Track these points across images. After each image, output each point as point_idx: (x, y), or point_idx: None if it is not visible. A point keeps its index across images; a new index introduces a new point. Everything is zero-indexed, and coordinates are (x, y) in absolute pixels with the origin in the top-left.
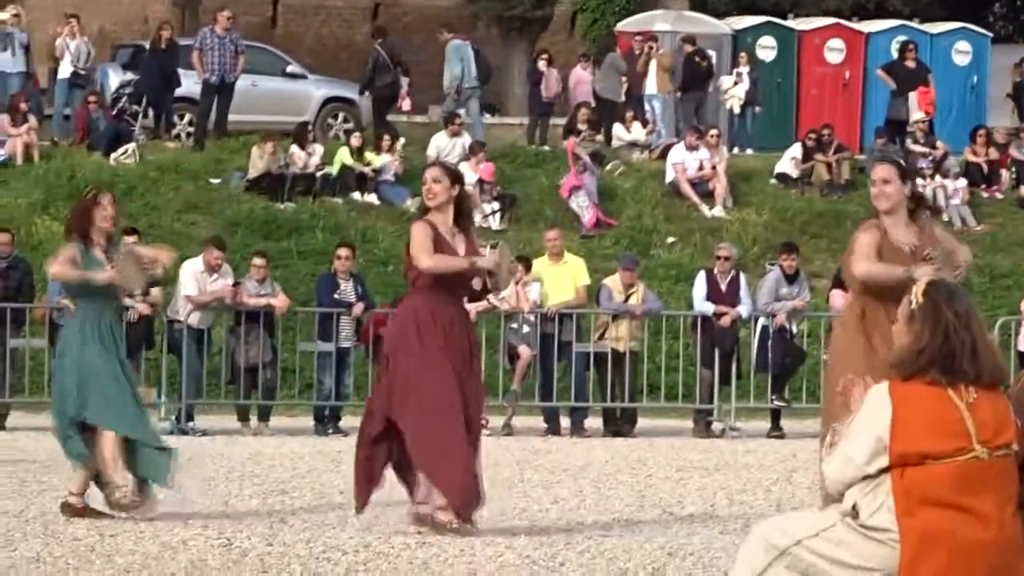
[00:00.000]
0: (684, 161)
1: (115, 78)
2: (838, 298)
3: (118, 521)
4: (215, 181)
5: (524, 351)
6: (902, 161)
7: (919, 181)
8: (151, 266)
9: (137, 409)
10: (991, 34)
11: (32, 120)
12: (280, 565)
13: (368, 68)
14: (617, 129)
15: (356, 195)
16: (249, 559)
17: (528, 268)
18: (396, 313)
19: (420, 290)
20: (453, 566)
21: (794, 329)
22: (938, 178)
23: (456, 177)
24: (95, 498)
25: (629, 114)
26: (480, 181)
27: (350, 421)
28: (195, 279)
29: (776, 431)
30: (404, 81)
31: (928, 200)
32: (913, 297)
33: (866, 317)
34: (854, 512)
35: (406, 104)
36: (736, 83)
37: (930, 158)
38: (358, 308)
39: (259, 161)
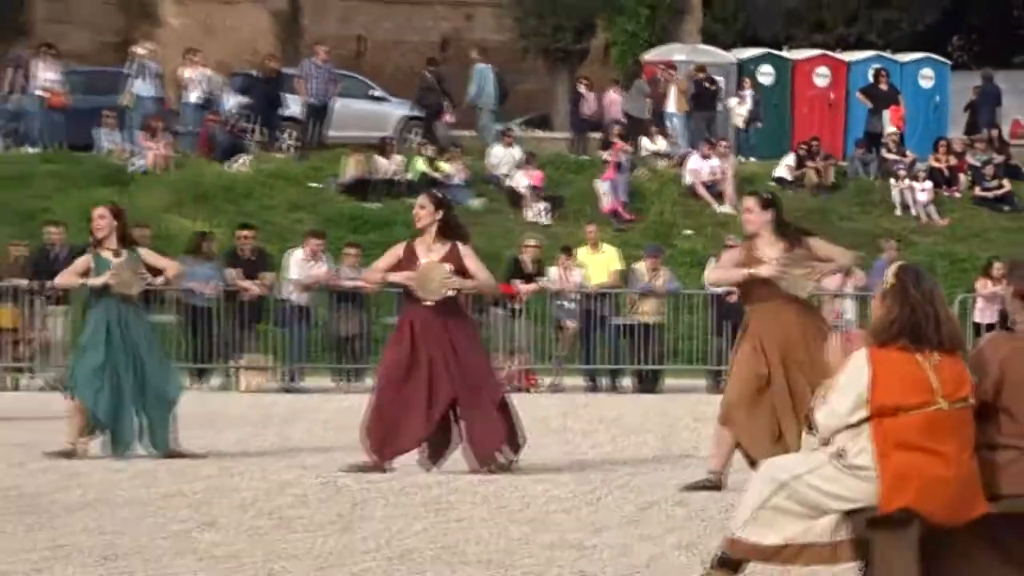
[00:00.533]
0: (699, 167)
1: (231, 101)
2: (825, 279)
3: (240, 461)
4: (315, 185)
5: (570, 323)
6: (768, 195)
7: (892, 181)
8: (149, 273)
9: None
10: (950, 62)
11: (165, 136)
12: (370, 498)
13: (417, 89)
14: (644, 141)
15: None
16: (343, 494)
17: (571, 256)
18: None
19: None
20: (510, 499)
21: None
22: (907, 180)
23: (439, 203)
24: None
25: (653, 129)
26: (532, 186)
27: None
28: (299, 265)
29: None
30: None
31: (792, 224)
32: (885, 279)
33: (749, 329)
34: (841, 454)
35: (449, 119)
36: (741, 103)
37: (902, 164)
38: None
39: (350, 169)
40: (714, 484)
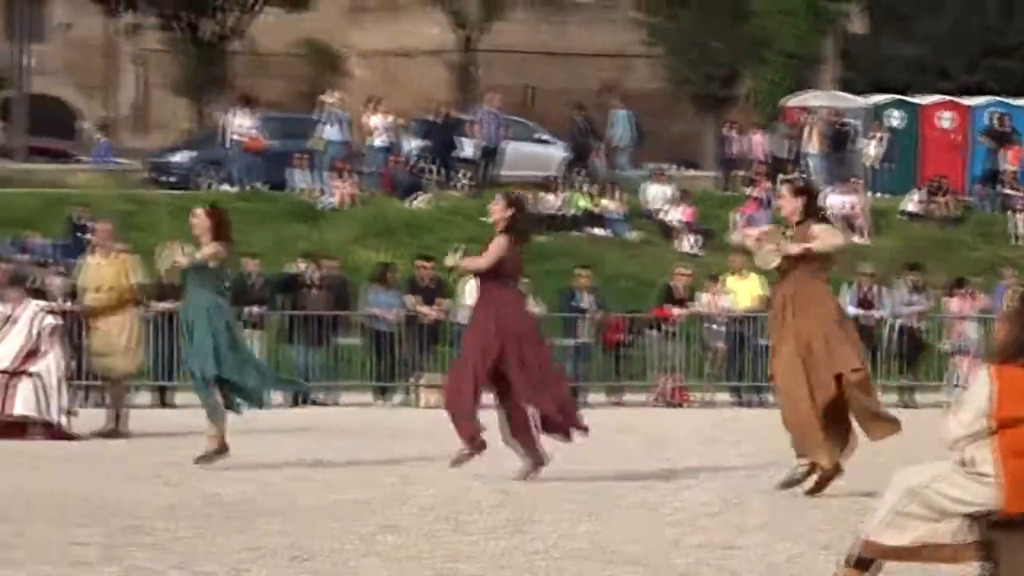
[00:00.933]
0: (835, 203)
1: (412, 144)
2: (950, 303)
3: (419, 470)
4: (487, 220)
5: (718, 344)
6: (800, 182)
7: (1010, 214)
8: (189, 257)
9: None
10: None
11: (352, 176)
12: (538, 504)
13: (569, 132)
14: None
15: (591, 229)
16: (514, 500)
17: (719, 283)
18: None
19: None
20: (664, 504)
21: (919, 326)
22: None
23: (511, 202)
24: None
25: (793, 168)
26: (685, 221)
27: (595, 398)
28: (474, 293)
29: (906, 403)
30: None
31: (821, 212)
32: (1005, 303)
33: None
34: (967, 462)
35: (598, 159)
36: (873, 144)
37: (1019, 199)
38: (596, 314)
39: None
40: (829, 475)
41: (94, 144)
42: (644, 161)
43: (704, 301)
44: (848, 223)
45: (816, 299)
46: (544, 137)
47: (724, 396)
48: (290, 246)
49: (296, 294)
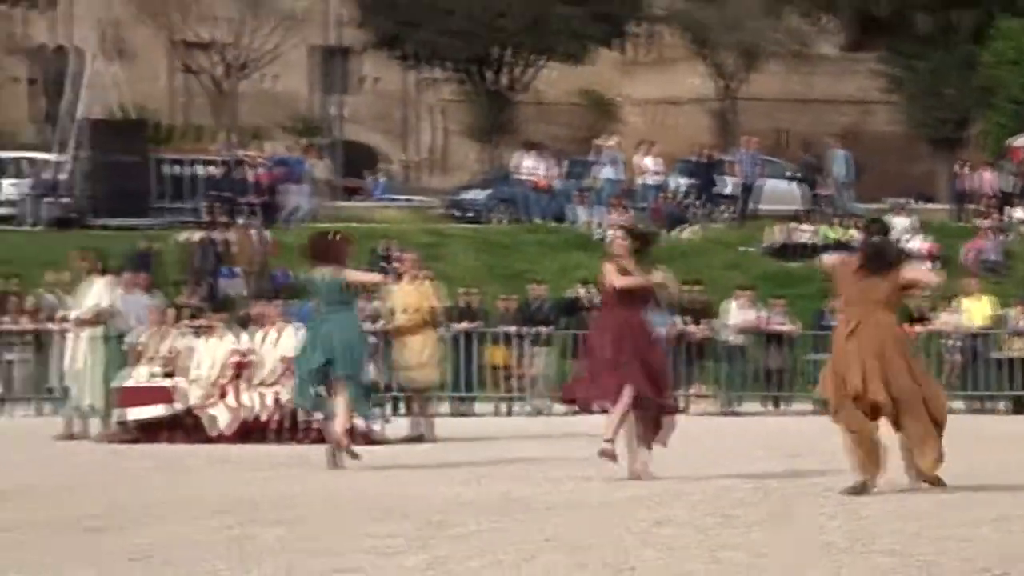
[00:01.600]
0: None
1: (679, 182)
2: None
3: (688, 470)
4: (746, 249)
5: (954, 358)
6: (876, 225)
7: None
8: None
9: None
10: None
11: (626, 211)
12: (795, 500)
13: (801, 168)
14: (1012, 211)
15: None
16: (773, 496)
17: (955, 303)
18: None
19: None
20: (908, 500)
21: None
22: None
23: (634, 235)
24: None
25: (1019, 201)
26: (928, 254)
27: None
28: (735, 313)
29: None
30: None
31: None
32: None
33: None
34: None
35: (824, 192)
36: None
37: None
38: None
39: (775, 235)
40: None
41: (372, 182)
42: (884, 196)
43: (942, 319)
44: None
45: None
46: (794, 175)
47: (958, 404)
48: (572, 273)
49: (577, 315)
